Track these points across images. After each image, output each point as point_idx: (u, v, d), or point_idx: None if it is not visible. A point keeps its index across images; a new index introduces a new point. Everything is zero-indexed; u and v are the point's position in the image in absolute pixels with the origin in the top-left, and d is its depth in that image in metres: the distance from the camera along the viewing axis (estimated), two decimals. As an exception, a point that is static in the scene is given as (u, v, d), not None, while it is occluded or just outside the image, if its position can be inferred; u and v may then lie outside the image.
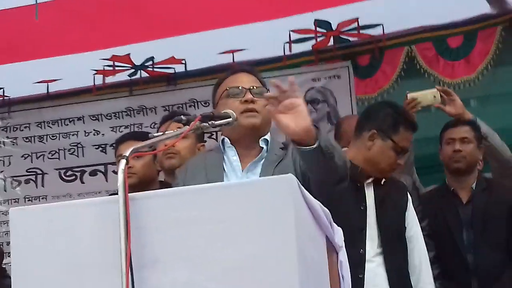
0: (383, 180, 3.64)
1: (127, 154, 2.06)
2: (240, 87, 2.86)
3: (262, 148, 2.86)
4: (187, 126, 2.39)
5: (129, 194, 2.00)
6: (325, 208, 2.27)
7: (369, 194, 3.59)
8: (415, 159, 4.71)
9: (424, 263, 3.62)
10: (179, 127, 2.59)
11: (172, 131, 2.40)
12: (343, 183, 2.62)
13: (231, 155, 2.86)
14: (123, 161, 2.02)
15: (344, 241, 2.41)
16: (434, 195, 4.43)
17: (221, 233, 1.99)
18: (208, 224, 2.00)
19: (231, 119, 2.54)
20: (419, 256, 3.61)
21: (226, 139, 2.89)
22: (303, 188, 2.07)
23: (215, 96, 2.97)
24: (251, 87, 2.86)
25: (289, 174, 2.02)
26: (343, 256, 2.42)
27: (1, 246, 6.61)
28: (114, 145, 4.70)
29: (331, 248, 2.36)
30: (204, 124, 2.46)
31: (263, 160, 2.83)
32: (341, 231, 2.42)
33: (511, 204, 4.25)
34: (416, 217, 3.68)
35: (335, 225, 2.36)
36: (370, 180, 3.60)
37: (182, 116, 2.47)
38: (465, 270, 4.12)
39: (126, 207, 1.98)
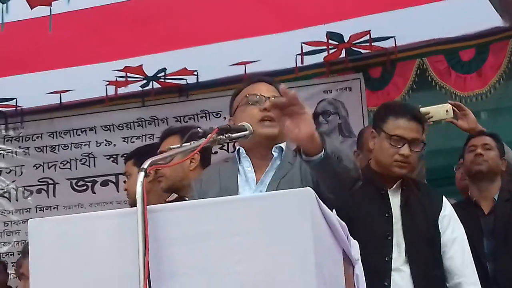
0: (401, 181, 3.55)
1: (145, 166, 2.07)
2: (259, 95, 2.85)
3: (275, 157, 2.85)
4: (204, 139, 2.40)
5: (148, 207, 2.00)
6: (342, 221, 2.27)
7: (395, 200, 3.53)
8: (426, 172, 4.71)
9: (466, 266, 3.50)
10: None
11: (188, 144, 2.40)
12: (357, 184, 2.60)
13: (246, 166, 2.85)
14: (142, 174, 2.03)
15: (370, 248, 2.40)
16: (456, 207, 4.41)
17: (239, 247, 1.99)
18: (225, 237, 2.00)
19: (247, 132, 2.55)
20: (459, 259, 3.49)
21: (242, 149, 2.88)
22: (320, 201, 2.07)
23: (233, 104, 2.96)
24: (271, 97, 2.86)
25: (307, 187, 2.03)
26: (359, 269, 2.42)
27: (5, 261, 6.64)
28: (125, 155, 4.66)
29: (348, 261, 2.36)
30: (221, 136, 2.46)
31: (274, 171, 2.82)
32: (357, 244, 2.42)
33: None
34: (458, 221, 3.56)
35: (351, 238, 2.36)
36: (394, 185, 3.56)
37: (198, 128, 2.47)
38: (485, 278, 4.10)
39: (145, 219, 1.98)
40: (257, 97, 2.84)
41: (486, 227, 4.22)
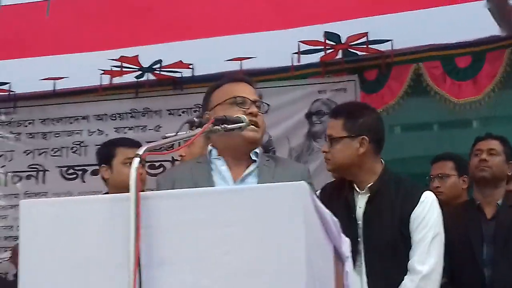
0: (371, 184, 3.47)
1: (140, 153, 2.06)
2: (246, 98, 2.84)
3: (253, 159, 2.85)
4: (200, 128, 2.39)
5: (141, 193, 1.99)
6: (334, 218, 2.27)
7: (361, 205, 3.47)
8: (416, 177, 4.72)
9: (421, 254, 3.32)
10: None
11: (184, 132, 2.39)
12: None
13: (220, 165, 2.84)
14: (137, 160, 2.02)
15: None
16: (460, 209, 4.41)
17: (230, 237, 1.99)
18: (217, 227, 2.00)
19: (244, 124, 2.54)
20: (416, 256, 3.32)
21: (214, 150, 2.87)
22: (314, 195, 2.07)
23: (211, 99, 2.92)
24: (257, 101, 2.86)
25: (301, 181, 2.02)
26: (349, 266, 2.42)
27: None
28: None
29: (338, 258, 2.36)
30: (217, 127, 2.45)
31: (254, 172, 2.83)
32: (349, 241, 2.42)
33: None
34: (433, 220, 3.36)
35: (343, 235, 2.36)
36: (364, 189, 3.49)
37: (194, 118, 2.47)
38: (481, 284, 4.10)
39: (138, 205, 1.97)
40: (245, 99, 2.83)
41: (487, 233, 4.19)
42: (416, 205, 3.35)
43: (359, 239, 3.34)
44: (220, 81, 2.99)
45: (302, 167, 3.10)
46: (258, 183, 2.76)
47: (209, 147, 2.91)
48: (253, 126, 2.78)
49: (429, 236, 3.32)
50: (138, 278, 1.93)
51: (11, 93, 6.97)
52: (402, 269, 3.30)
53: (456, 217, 4.25)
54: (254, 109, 2.81)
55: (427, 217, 3.35)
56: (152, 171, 5.98)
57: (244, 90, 2.88)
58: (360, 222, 3.40)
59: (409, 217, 3.34)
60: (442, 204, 3.78)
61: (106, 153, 4.15)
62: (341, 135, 3.45)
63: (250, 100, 2.83)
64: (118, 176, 3.96)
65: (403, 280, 3.29)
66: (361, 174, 3.48)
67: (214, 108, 2.86)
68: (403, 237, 3.34)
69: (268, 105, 2.92)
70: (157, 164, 6.36)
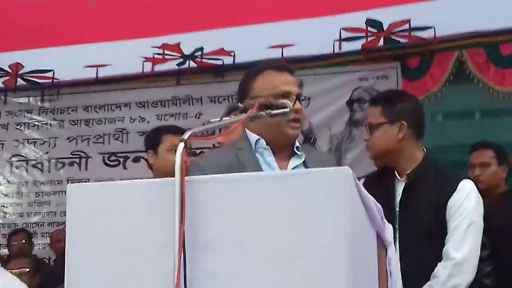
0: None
1: (185, 137, 2.07)
2: (291, 93, 2.81)
3: (295, 152, 2.85)
4: (244, 114, 2.39)
5: (186, 178, 2.01)
6: (378, 204, 2.27)
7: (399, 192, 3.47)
8: (457, 165, 4.72)
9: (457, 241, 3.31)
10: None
11: (228, 118, 2.40)
12: None
13: (267, 155, 2.83)
14: (182, 144, 2.03)
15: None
16: (502, 198, 4.44)
17: (274, 221, 1.99)
18: (261, 211, 2.00)
19: (288, 109, 2.53)
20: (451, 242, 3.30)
21: (262, 140, 2.84)
22: (358, 181, 2.07)
23: (253, 86, 2.87)
24: (299, 94, 2.85)
25: (346, 166, 2.02)
26: (392, 252, 2.42)
27: (34, 231, 6.72)
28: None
29: (381, 244, 2.36)
30: (261, 112, 2.45)
31: (301, 163, 2.83)
32: (392, 227, 2.42)
33: None
34: (471, 207, 3.33)
35: (386, 221, 2.36)
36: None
37: (239, 103, 2.48)
38: None
39: (182, 189, 1.99)
40: (290, 93, 2.80)
41: None
42: (453, 193, 3.33)
43: (396, 225, 3.31)
44: (261, 66, 2.94)
45: (330, 156, 3.10)
46: None
47: (254, 135, 2.86)
48: (295, 123, 2.78)
49: (464, 224, 3.30)
50: (183, 261, 1.95)
51: (54, 80, 7.03)
52: (437, 257, 3.29)
53: (498, 206, 4.25)
54: (298, 105, 2.79)
55: (464, 205, 3.33)
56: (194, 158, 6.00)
57: (289, 82, 2.85)
58: (397, 209, 3.40)
59: (445, 204, 3.32)
60: (483, 193, 3.78)
61: (153, 139, 4.21)
62: (380, 121, 3.47)
63: (294, 96, 2.80)
64: (163, 162, 4.00)
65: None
66: (402, 161, 3.48)
67: (257, 98, 2.77)
68: (439, 225, 3.32)
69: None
70: (198, 151, 6.40)
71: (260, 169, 2.77)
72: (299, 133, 2.85)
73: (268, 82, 2.85)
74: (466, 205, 3.33)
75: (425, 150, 3.54)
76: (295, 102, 2.77)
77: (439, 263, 3.27)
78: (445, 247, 3.28)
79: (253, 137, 2.86)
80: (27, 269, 5.12)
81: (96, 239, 2.11)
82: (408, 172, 3.44)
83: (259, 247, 1.99)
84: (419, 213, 3.36)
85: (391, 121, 3.44)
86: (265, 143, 2.83)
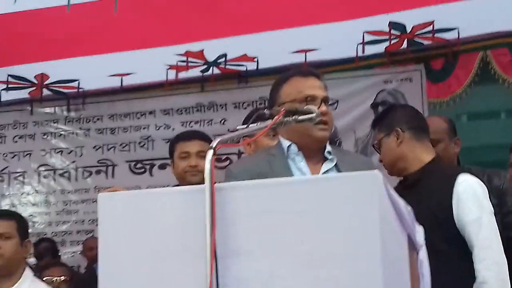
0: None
1: (213, 145, 2.08)
2: (316, 96, 2.83)
3: (325, 156, 2.86)
4: (270, 120, 2.40)
5: (216, 184, 2.02)
6: (408, 207, 2.26)
7: None
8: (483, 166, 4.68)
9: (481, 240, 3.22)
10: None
11: (255, 124, 2.41)
12: None
13: (299, 160, 2.84)
14: (211, 152, 2.04)
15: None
16: None
17: (306, 226, 1.99)
18: (292, 216, 2.00)
19: (314, 114, 2.53)
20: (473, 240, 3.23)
21: (294, 146, 2.86)
22: (388, 184, 2.07)
23: (280, 93, 2.89)
24: (325, 98, 2.86)
25: (375, 170, 2.03)
26: (423, 255, 2.41)
27: (55, 241, 6.76)
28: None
29: (412, 246, 2.36)
30: (287, 118, 2.46)
31: (332, 167, 2.84)
32: (422, 229, 2.41)
33: None
34: (472, 200, 3.25)
35: (416, 224, 2.35)
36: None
37: (265, 110, 2.48)
38: None
39: (212, 196, 2.00)
40: (315, 97, 2.82)
41: None
42: (453, 189, 3.27)
43: None
44: (288, 74, 2.96)
45: (367, 159, 3.10)
46: None
47: (287, 141, 2.88)
48: (322, 125, 2.79)
49: (482, 218, 3.23)
50: (215, 268, 1.96)
51: (80, 90, 7.09)
52: (440, 258, 3.17)
53: None
54: (324, 107, 2.80)
55: (472, 196, 3.26)
56: (219, 164, 6.02)
57: (314, 87, 2.86)
58: None
59: (449, 201, 3.26)
60: None
61: (170, 148, 4.23)
62: (379, 138, 3.60)
63: (320, 99, 2.82)
64: (175, 170, 4.03)
65: (439, 268, 3.25)
66: (408, 165, 3.50)
67: (284, 104, 2.78)
68: (439, 224, 3.25)
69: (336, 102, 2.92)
70: (223, 157, 6.41)
71: (290, 175, 2.78)
72: (328, 134, 2.86)
73: (294, 88, 2.87)
74: (475, 196, 3.27)
75: (434, 153, 3.55)
76: (320, 104, 2.78)
77: (476, 268, 3.17)
78: (474, 250, 3.21)
79: (285, 143, 2.88)
80: (67, 278, 5.11)
81: (127, 248, 2.13)
82: (409, 174, 3.48)
83: (291, 253, 1.99)
84: (419, 213, 3.33)
85: (387, 134, 3.55)
86: (296, 148, 2.85)
